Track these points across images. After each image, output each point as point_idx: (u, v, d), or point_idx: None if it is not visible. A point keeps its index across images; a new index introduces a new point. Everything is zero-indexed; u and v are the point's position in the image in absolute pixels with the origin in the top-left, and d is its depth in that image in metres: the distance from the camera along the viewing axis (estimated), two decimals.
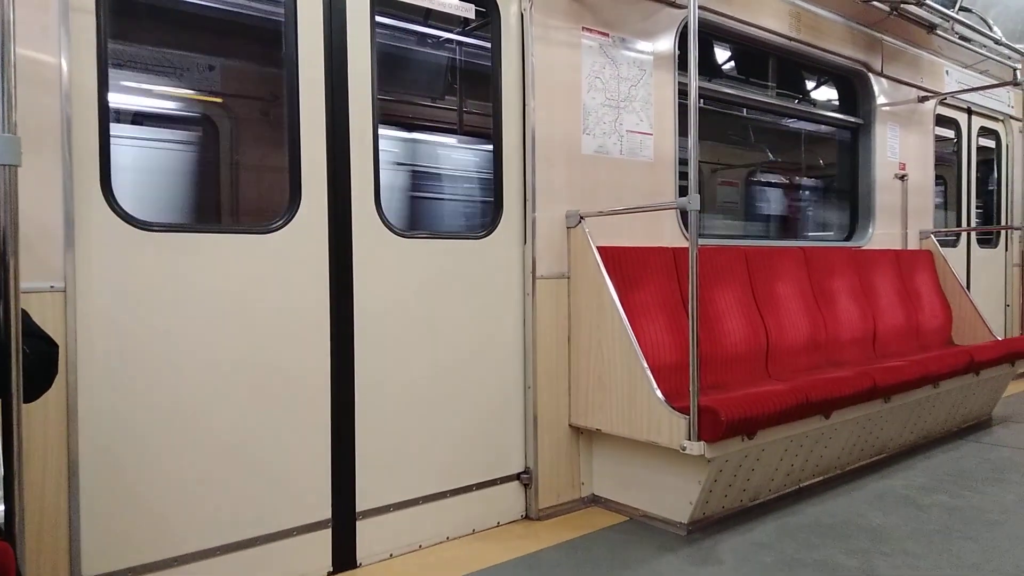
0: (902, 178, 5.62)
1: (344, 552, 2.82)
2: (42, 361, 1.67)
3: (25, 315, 1.64)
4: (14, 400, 1.49)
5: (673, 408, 2.98)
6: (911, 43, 5.65)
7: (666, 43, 3.87)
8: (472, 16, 3.29)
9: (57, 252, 2.20)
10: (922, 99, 5.81)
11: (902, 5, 5.12)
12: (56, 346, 1.75)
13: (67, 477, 2.21)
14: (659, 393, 3.04)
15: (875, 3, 4.98)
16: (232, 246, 2.57)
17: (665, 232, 3.86)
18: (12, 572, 1.36)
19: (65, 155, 2.21)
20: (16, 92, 1.62)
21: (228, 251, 2.56)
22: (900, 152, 5.63)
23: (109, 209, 2.32)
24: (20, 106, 1.55)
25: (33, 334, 1.68)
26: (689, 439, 2.89)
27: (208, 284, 2.51)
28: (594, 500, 3.48)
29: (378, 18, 2.94)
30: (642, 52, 3.75)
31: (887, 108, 5.49)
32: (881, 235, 5.45)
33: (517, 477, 3.34)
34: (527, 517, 3.34)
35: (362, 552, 2.86)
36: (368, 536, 2.87)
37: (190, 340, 2.47)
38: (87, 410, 2.27)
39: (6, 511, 1.54)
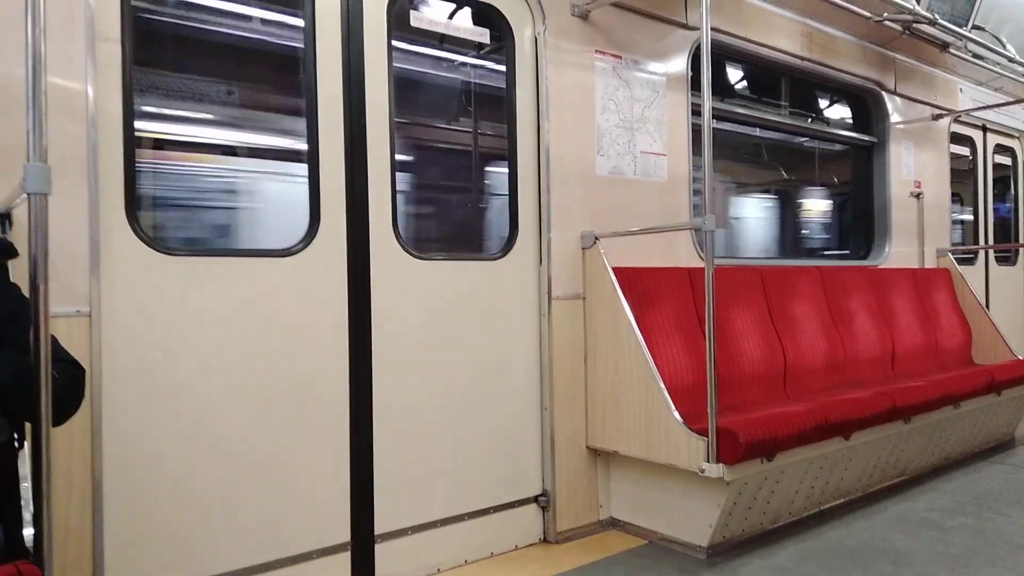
0: (918, 196, 5.60)
1: (363, 575, 2.82)
2: (70, 385, 1.69)
3: (53, 339, 1.66)
4: (43, 424, 1.51)
5: (691, 430, 2.96)
6: (924, 61, 5.66)
7: (679, 64, 3.90)
8: (487, 40, 3.34)
9: (83, 277, 2.24)
10: (936, 117, 5.81)
11: (914, 24, 5.12)
12: (83, 370, 1.77)
13: (92, 498, 2.23)
14: (677, 415, 3.02)
15: (887, 23, 4.99)
16: (253, 269, 2.60)
17: (680, 252, 3.86)
18: None
19: (91, 181, 2.26)
20: (47, 121, 1.66)
21: (250, 274, 2.59)
22: (915, 170, 5.61)
23: (133, 234, 2.36)
24: (48, 134, 1.58)
25: (61, 358, 1.70)
26: (708, 461, 2.87)
27: (230, 307, 2.54)
28: (613, 523, 3.45)
29: (394, 43, 2.99)
30: (655, 73, 3.78)
31: (901, 126, 5.49)
32: (897, 253, 5.42)
33: (535, 500, 3.32)
34: (545, 540, 3.32)
35: (380, 575, 2.85)
36: (386, 559, 2.87)
37: (212, 363, 2.49)
38: (111, 432, 2.29)
39: (35, 534, 1.56)
